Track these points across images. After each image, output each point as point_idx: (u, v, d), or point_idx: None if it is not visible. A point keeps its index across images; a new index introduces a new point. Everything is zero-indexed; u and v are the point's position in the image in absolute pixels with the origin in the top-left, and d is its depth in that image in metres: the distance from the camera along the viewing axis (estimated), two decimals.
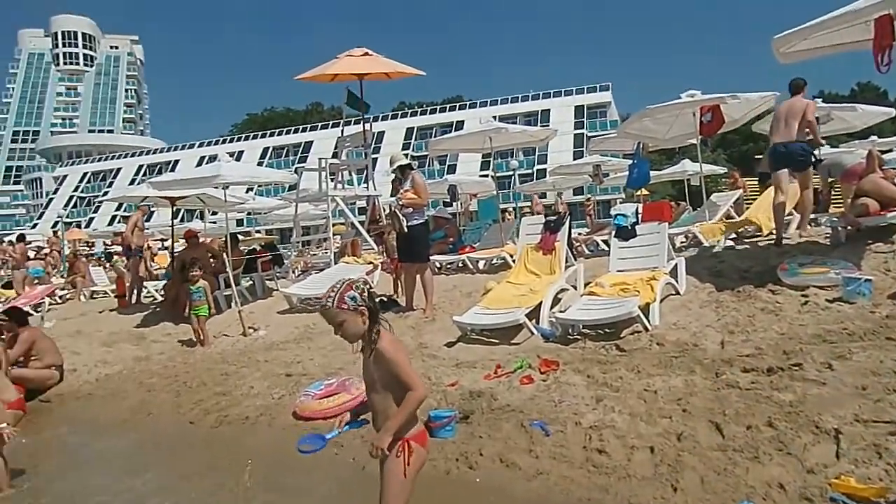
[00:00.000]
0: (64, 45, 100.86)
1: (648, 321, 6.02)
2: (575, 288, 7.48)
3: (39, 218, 67.75)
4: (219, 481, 4.67)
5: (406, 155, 9.66)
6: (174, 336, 9.45)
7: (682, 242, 9.49)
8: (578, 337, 6.22)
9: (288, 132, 69.58)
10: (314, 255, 15.71)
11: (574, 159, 42.09)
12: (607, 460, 3.96)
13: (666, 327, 5.97)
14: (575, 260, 8.51)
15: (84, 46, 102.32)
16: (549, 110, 59.58)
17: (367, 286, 2.84)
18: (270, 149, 65.96)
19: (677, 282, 6.91)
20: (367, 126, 12.54)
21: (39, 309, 13.24)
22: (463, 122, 56.33)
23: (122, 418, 6.60)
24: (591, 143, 16.23)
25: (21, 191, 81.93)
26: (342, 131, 13.51)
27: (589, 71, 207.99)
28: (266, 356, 7.36)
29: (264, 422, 5.70)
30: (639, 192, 19.10)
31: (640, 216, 8.41)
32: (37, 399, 7.50)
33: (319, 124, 69.73)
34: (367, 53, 12.34)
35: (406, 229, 8.04)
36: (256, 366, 7.08)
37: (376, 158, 14.10)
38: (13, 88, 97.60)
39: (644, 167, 12.10)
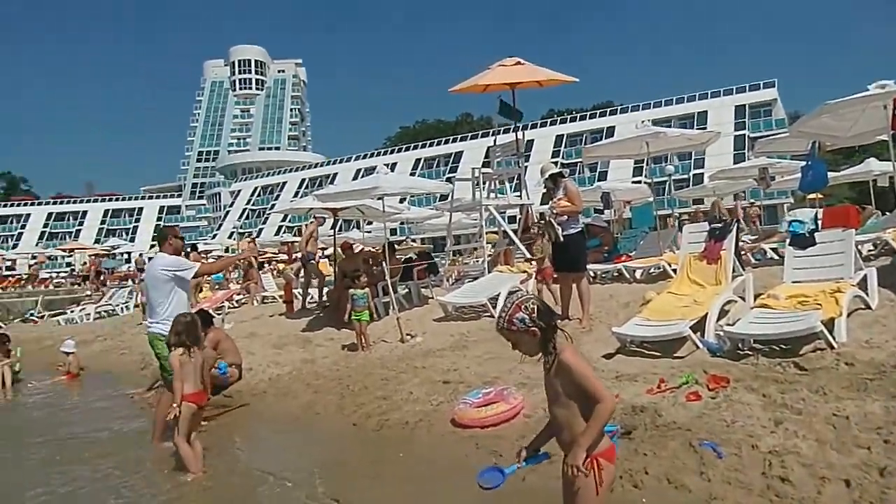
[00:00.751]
0: (240, 73, 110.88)
1: (833, 338, 5.45)
2: (743, 300, 6.96)
3: (218, 229, 74.66)
4: (385, 483, 4.83)
5: (555, 163, 9.53)
6: (337, 341, 9.95)
7: (869, 251, 8.56)
8: (750, 352, 5.77)
9: (439, 143, 71.56)
10: (466, 263, 15.97)
11: (735, 162, 39.56)
12: (792, 490, 3.61)
13: (856, 345, 5.37)
14: (742, 269, 7.95)
15: (256, 72, 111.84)
16: (706, 112, 56.48)
17: (536, 304, 2.77)
18: (422, 160, 68.19)
19: (867, 295, 6.22)
20: (520, 134, 12.56)
21: (220, 312, 14.53)
22: (614, 127, 54.89)
23: (294, 415, 7.04)
24: (758, 144, 15.12)
25: (203, 205, 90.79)
26: (494, 140, 13.64)
27: (749, 68, 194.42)
28: (423, 363, 7.53)
29: (423, 427, 5.82)
30: (812, 196, 17.51)
31: (819, 222, 7.69)
32: (221, 394, 8.17)
33: (469, 134, 71.13)
34: (519, 63, 12.39)
35: (562, 238, 7.92)
36: (415, 372, 7.27)
37: (527, 167, 14.02)
38: (199, 114, 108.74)
39: (820, 168, 11.05)
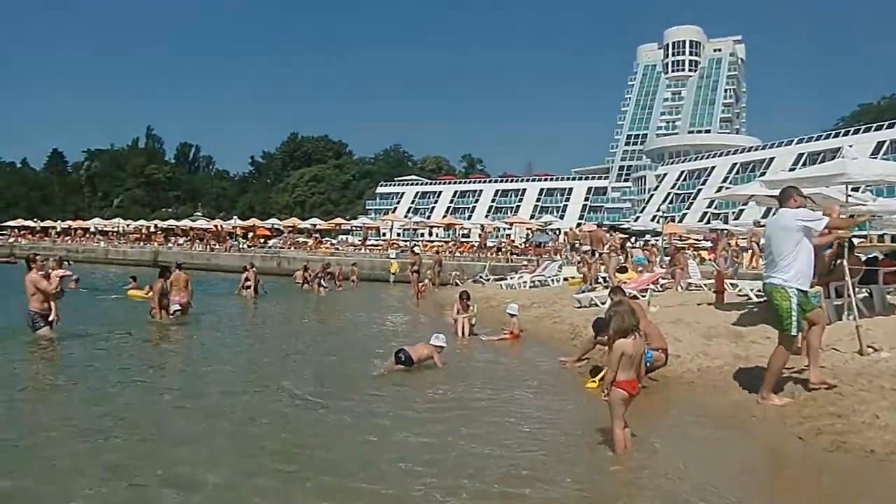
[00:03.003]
0: (673, 55, 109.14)
1: None
2: None
3: (641, 212, 75.47)
4: None
5: None
6: (773, 340, 8.96)
7: None
8: None
9: None
10: None
11: None
12: None
13: None
14: None
15: (690, 53, 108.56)
16: None
17: None
18: (887, 143, 57.22)
19: None
20: None
21: (644, 294, 14.59)
22: None
23: (725, 414, 6.60)
24: None
25: (629, 187, 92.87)
26: None
27: None
28: (894, 384, 6.27)
29: None
30: None
31: None
32: (646, 376, 8.15)
33: None
34: None
35: None
36: (881, 392, 6.09)
37: None
38: (630, 98, 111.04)
39: None
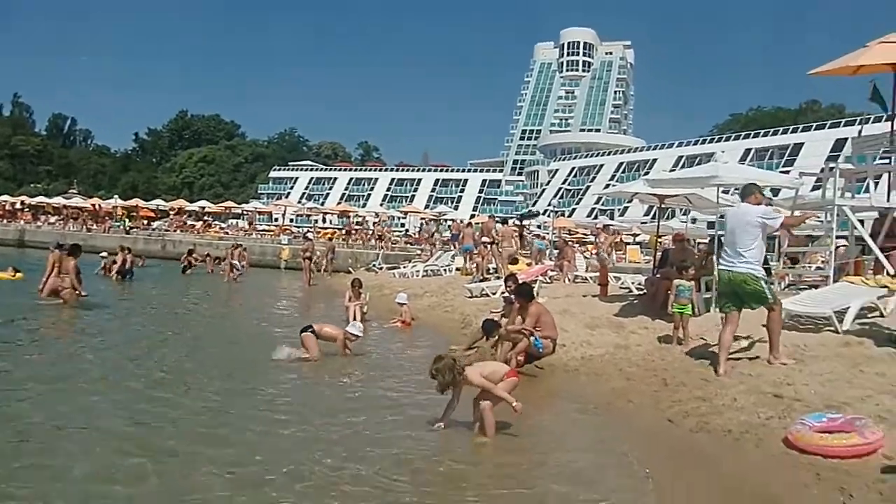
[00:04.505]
0: (568, 55, 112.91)
1: None
2: None
3: (533, 205, 77.76)
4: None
5: None
6: (651, 331, 9.64)
7: None
8: None
9: (775, 133, 64.56)
10: (804, 267, 14.18)
11: None
12: None
13: None
14: None
15: (584, 54, 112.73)
16: None
17: None
18: (753, 150, 62.14)
19: None
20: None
21: (534, 284, 15.12)
22: None
23: (606, 400, 7.02)
24: None
25: (522, 181, 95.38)
26: (859, 131, 11.78)
27: None
28: (751, 370, 6.89)
29: (750, 441, 5.32)
30: None
31: None
32: (533, 364, 8.51)
33: (814, 124, 62.75)
34: None
35: None
36: (740, 378, 6.69)
37: None
38: (526, 94, 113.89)
39: None
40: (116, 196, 60.12)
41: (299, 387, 7.65)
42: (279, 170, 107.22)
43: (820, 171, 13.86)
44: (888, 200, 10.62)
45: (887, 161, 11.12)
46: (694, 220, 21.18)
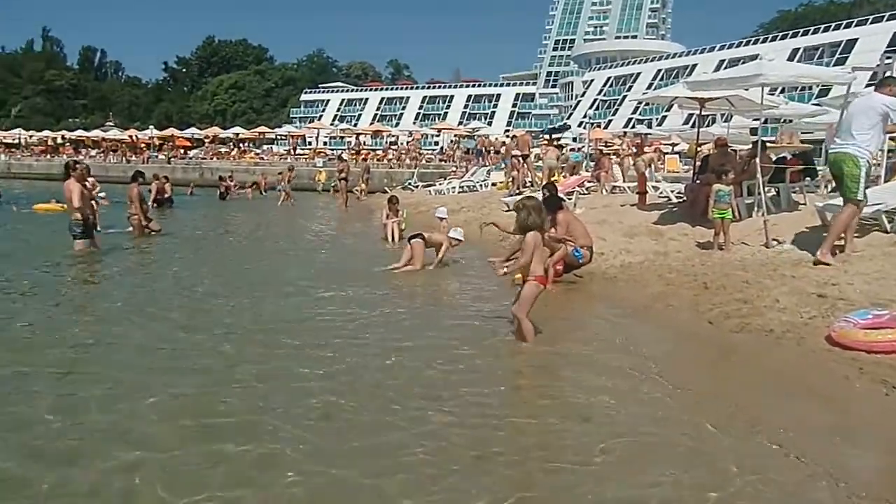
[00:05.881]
0: None
1: None
2: None
3: (568, 118, 75.85)
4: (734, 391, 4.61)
5: None
6: (691, 237, 9.56)
7: None
8: None
9: (826, 29, 60.85)
10: None
11: None
12: None
13: None
14: None
15: None
16: None
17: None
18: (801, 49, 58.81)
19: None
20: None
21: (570, 196, 14.98)
22: None
23: (645, 304, 7.04)
24: None
25: (556, 93, 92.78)
26: None
27: None
28: (793, 272, 6.81)
29: (792, 339, 5.33)
30: None
31: None
32: (572, 273, 8.54)
33: (870, 17, 58.87)
34: None
35: None
36: (782, 280, 6.63)
37: None
38: (558, 2, 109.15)
39: None
40: (152, 126, 60.58)
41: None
42: (310, 93, 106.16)
43: (876, 65, 13.19)
44: None
45: None
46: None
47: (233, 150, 50.18)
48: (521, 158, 18.19)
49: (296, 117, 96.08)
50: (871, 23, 55.97)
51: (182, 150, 51.79)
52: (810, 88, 30.06)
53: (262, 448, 3.56)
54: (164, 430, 3.79)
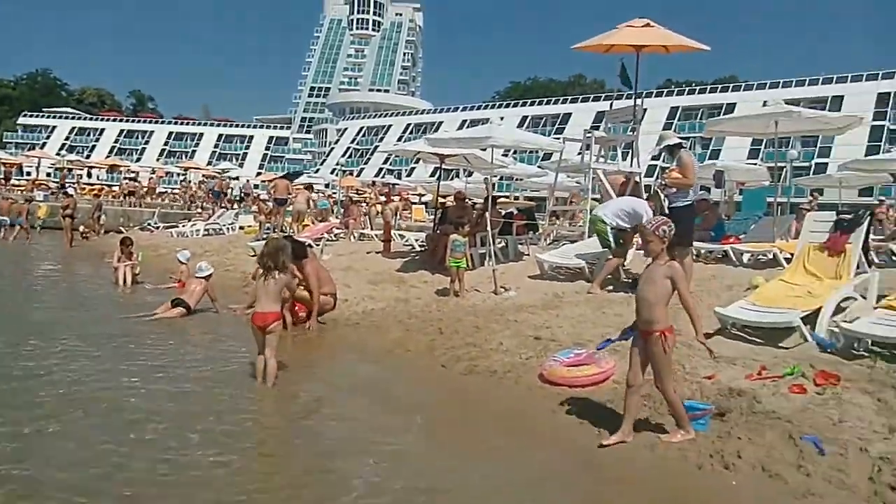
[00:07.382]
0: (359, 13, 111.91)
1: None
2: (864, 298, 6.53)
3: (322, 164, 76.68)
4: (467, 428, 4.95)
5: None
6: (430, 284, 10.11)
7: None
8: (866, 354, 5.43)
9: (548, 102, 70.09)
10: (559, 225, 15.77)
11: (866, 154, 36.54)
12: None
13: None
14: (868, 267, 7.43)
15: (374, 13, 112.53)
16: (842, 97, 51.88)
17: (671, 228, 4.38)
18: (529, 118, 67.01)
19: None
20: (638, 101, 12.11)
21: (318, 242, 15.04)
22: (735, 104, 51.76)
23: (386, 349, 7.27)
24: None
25: (310, 139, 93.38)
26: (610, 105, 13.23)
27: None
28: (516, 316, 7.55)
29: (511, 378, 5.88)
30: None
31: None
32: (317, 319, 8.50)
33: (580, 96, 69.18)
34: (648, 24, 11.84)
35: (668, 210, 7.67)
36: (506, 324, 7.31)
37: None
38: (315, 50, 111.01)
39: None
40: None
41: None
42: (31, 116, 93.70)
43: (582, 137, 15.40)
44: (630, 165, 12.11)
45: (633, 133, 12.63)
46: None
47: None
48: (275, 203, 17.90)
49: (10, 142, 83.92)
50: (581, 101, 65.81)
51: None
52: (536, 151, 34.06)
53: None
54: None
